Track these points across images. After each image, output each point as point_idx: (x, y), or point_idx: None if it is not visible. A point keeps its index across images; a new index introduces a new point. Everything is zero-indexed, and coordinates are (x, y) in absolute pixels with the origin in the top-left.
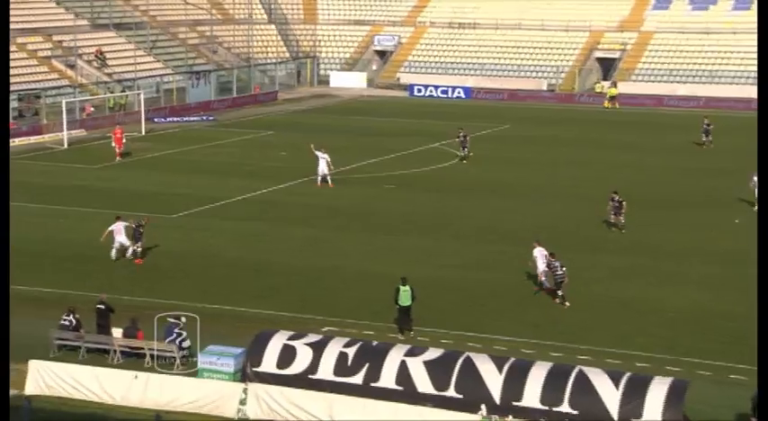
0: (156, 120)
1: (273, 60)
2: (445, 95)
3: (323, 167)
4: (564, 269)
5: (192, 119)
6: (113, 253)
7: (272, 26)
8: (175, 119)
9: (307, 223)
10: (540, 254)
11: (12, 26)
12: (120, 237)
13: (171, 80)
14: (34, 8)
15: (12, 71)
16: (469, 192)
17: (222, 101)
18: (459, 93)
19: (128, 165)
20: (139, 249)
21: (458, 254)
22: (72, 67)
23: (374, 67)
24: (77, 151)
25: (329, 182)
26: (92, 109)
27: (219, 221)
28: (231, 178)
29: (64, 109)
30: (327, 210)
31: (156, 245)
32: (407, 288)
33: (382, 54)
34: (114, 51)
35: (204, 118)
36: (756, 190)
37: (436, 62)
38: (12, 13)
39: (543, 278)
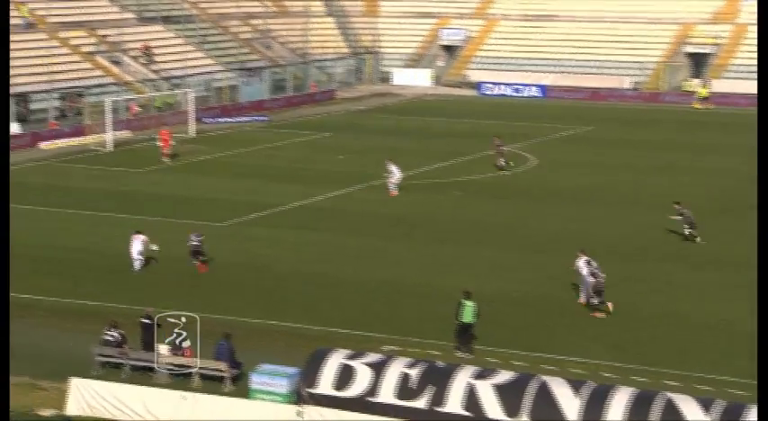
0: (205, 120)
1: (331, 56)
2: (518, 94)
3: (398, 177)
4: (603, 275)
5: (244, 119)
6: (137, 264)
7: (331, 19)
8: (227, 119)
9: (366, 232)
10: (584, 264)
11: (54, 20)
12: (136, 247)
13: (222, 78)
14: (78, 0)
15: (53, 68)
16: (543, 200)
17: (276, 100)
18: (533, 91)
19: (176, 168)
20: (195, 262)
21: (530, 266)
22: (117, 63)
23: (440, 64)
24: (122, 154)
25: (394, 190)
26: (137, 109)
27: (273, 230)
28: (285, 183)
29: (108, 108)
30: (389, 218)
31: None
32: (471, 303)
33: (449, 49)
34: (162, 47)
35: (257, 118)
36: None
37: (508, 58)
38: (54, 5)
39: (585, 290)
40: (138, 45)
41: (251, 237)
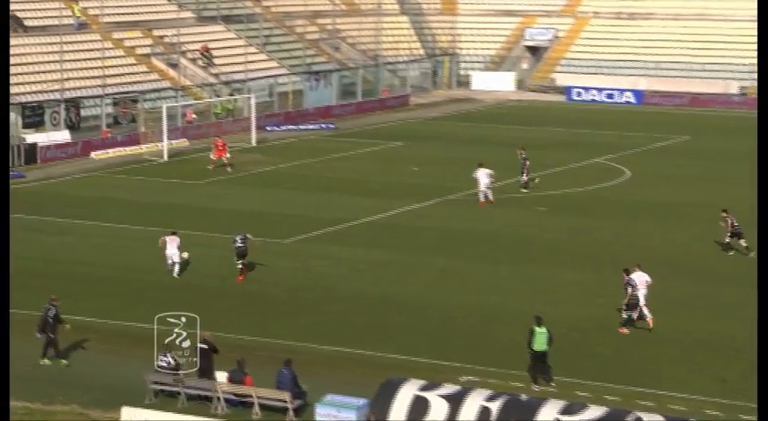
0: (268, 128)
1: (405, 58)
2: (611, 100)
3: (485, 183)
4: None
5: (309, 127)
6: (177, 269)
7: (405, 18)
8: (291, 127)
9: (443, 251)
10: (640, 280)
11: (106, 19)
12: (172, 250)
13: (286, 81)
14: None
15: (107, 71)
16: (636, 217)
17: (345, 106)
18: (628, 97)
19: (236, 180)
20: (239, 266)
21: (620, 289)
22: (174, 66)
23: (525, 67)
24: (178, 164)
25: (484, 198)
26: (194, 116)
27: (339, 248)
28: (354, 197)
29: (164, 115)
30: (467, 236)
31: (266, 273)
32: (543, 329)
33: (534, 50)
34: (222, 48)
35: (324, 126)
36: None
37: (600, 60)
38: (107, 4)
39: (639, 310)
40: (197, 46)
41: (316, 254)
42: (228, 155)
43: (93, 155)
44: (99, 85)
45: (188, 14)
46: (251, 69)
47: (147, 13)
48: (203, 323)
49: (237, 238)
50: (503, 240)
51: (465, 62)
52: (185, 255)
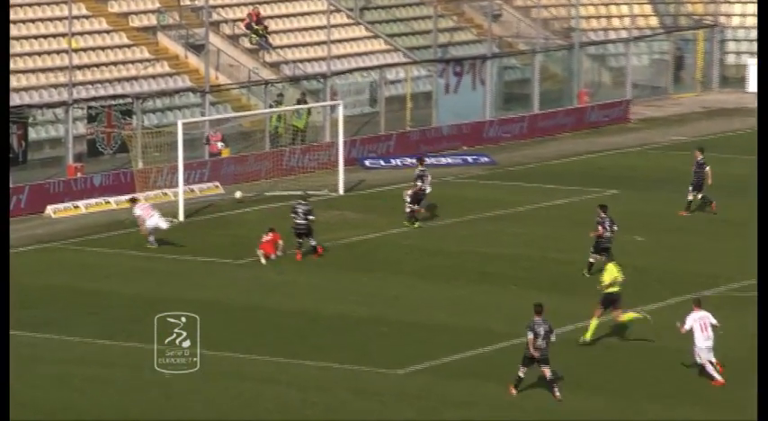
0: (368, 162)
1: (623, 35)
2: None
3: None
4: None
5: (443, 161)
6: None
7: None
8: (408, 161)
9: None
10: (697, 321)
11: None
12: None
13: (401, 77)
14: None
15: (76, 58)
16: None
17: (509, 122)
18: None
19: (304, 258)
20: (314, 242)
21: None
22: (199, 49)
23: None
24: (204, 228)
25: None
26: (220, 145)
27: (481, 383)
28: (527, 292)
29: (180, 139)
30: None
31: None
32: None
33: None
34: (286, 16)
35: (471, 159)
36: None
37: None
38: None
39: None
40: (242, 14)
41: (453, 398)
42: (280, 253)
43: (51, 211)
44: (62, 85)
45: None
46: (337, 55)
47: None
48: None
49: (299, 207)
50: None
51: (736, 41)
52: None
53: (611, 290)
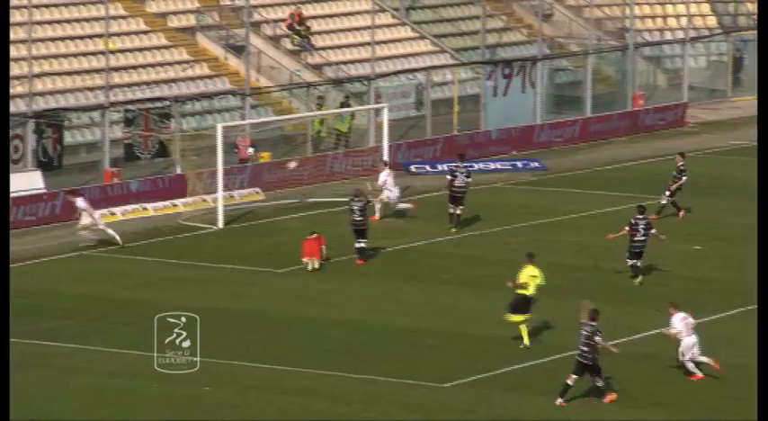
0: (414, 167)
1: (680, 36)
2: None
3: None
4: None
5: (492, 166)
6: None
7: None
8: (457, 165)
9: None
10: (682, 322)
11: None
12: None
13: (448, 80)
14: None
15: (113, 60)
16: None
17: (561, 126)
18: None
19: (348, 266)
20: (363, 244)
21: None
22: (239, 50)
23: None
24: (245, 236)
25: None
26: (250, 151)
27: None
28: (573, 302)
29: (219, 143)
30: None
31: None
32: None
33: None
34: (328, 16)
35: (521, 164)
36: None
37: None
38: None
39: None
40: (284, 14)
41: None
42: (324, 261)
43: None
44: (99, 87)
45: None
46: (382, 56)
47: None
48: None
49: (355, 207)
50: None
51: None
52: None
53: (522, 291)
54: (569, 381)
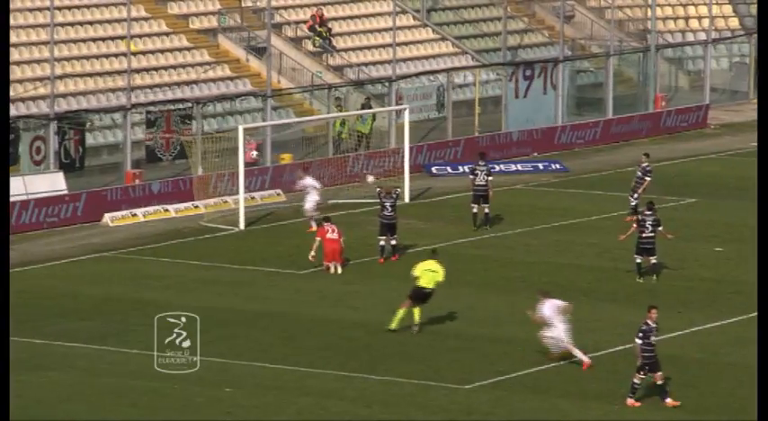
0: (435, 169)
1: (701, 38)
2: None
3: None
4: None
5: (513, 167)
6: None
7: None
8: (477, 166)
9: None
10: (552, 309)
11: None
12: None
13: (470, 81)
14: None
15: (135, 61)
16: None
17: (582, 127)
18: None
19: (372, 266)
20: (394, 242)
21: None
22: (260, 52)
23: None
24: (267, 237)
25: None
26: (254, 154)
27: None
28: (600, 304)
29: (241, 145)
30: None
31: None
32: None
33: None
34: (350, 18)
35: (543, 166)
36: None
37: None
38: None
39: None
40: (305, 15)
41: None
42: (344, 263)
43: (108, 219)
44: (120, 89)
45: None
46: (403, 58)
47: None
48: None
49: (387, 203)
50: None
51: None
52: None
53: (421, 284)
54: (635, 380)
